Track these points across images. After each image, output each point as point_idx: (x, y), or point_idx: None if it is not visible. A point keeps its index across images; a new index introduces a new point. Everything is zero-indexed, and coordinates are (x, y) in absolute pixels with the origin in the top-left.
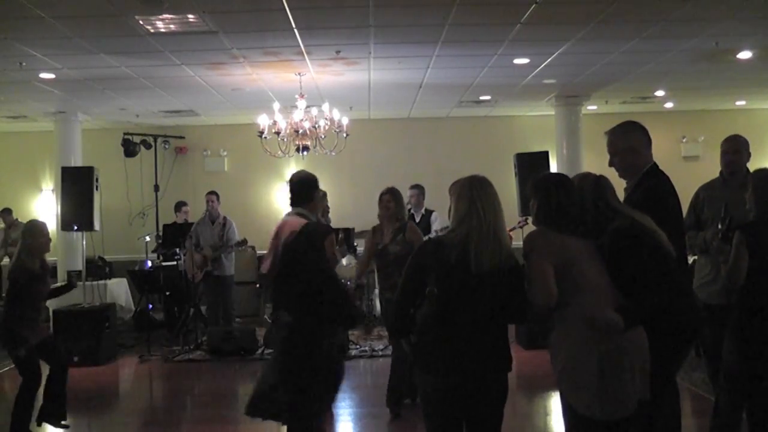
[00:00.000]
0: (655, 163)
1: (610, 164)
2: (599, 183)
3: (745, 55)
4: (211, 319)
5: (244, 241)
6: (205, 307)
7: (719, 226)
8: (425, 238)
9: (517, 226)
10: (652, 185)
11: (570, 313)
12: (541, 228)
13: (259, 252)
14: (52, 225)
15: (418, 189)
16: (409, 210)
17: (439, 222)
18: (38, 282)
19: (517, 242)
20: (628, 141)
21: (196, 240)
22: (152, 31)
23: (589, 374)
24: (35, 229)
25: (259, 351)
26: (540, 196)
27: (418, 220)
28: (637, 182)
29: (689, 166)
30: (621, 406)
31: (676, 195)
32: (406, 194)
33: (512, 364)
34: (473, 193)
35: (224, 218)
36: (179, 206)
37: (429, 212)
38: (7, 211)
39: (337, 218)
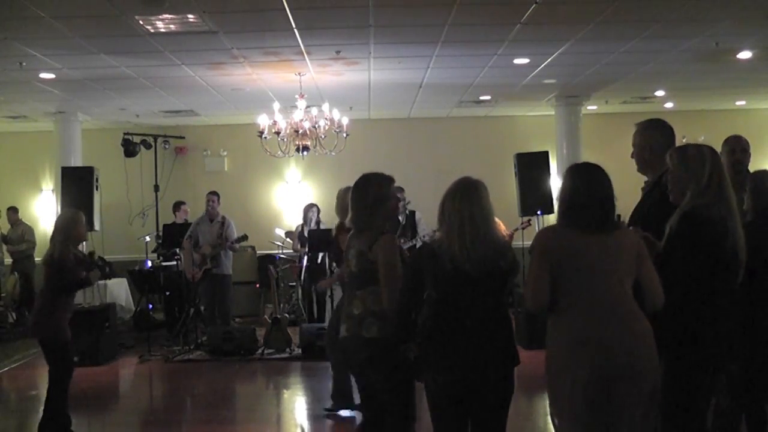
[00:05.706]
0: None
1: (632, 156)
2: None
3: (745, 55)
4: (209, 318)
5: (244, 237)
6: (203, 307)
7: None
8: (410, 241)
9: (519, 227)
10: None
11: (561, 319)
12: (552, 226)
13: (259, 252)
14: (52, 225)
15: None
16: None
17: (424, 223)
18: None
19: (518, 243)
20: (646, 138)
21: (195, 239)
22: (152, 31)
23: (559, 389)
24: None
25: (259, 351)
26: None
27: (403, 222)
28: (655, 181)
29: None
30: None
31: None
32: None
33: (518, 359)
34: (449, 196)
35: (223, 217)
36: (178, 206)
37: (412, 213)
38: (14, 210)
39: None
